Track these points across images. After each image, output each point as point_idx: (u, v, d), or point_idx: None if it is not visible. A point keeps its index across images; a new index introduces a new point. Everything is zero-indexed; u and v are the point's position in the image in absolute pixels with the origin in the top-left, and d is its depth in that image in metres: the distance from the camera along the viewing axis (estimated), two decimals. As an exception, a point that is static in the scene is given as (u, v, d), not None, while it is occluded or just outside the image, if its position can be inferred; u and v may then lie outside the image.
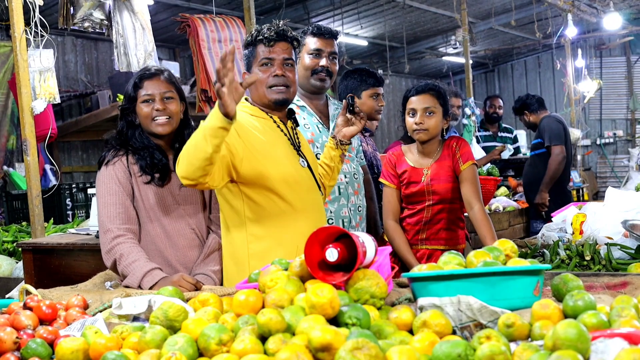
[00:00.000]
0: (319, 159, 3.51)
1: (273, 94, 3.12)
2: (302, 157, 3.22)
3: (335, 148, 3.46)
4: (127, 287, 2.93)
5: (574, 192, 10.03)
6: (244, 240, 3.06)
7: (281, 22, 3.17)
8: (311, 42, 3.90)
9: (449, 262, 2.26)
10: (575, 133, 12.28)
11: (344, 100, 3.43)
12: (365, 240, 2.21)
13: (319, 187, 3.28)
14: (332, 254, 2.08)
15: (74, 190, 7.34)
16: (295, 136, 3.26)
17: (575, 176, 10.65)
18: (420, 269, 2.26)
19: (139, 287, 2.91)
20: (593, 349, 1.60)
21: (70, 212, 7.19)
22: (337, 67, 4.01)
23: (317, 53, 3.88)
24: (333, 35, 3.95)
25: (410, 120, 3.82)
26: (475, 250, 2.29)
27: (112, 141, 3.30)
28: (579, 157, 13.72)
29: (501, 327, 1.80)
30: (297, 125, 3.33)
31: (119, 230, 3.06)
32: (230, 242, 3.12)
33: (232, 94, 2.59)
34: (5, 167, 8.85)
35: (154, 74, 3.27)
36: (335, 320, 1.92)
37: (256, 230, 3.05)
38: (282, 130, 3.18)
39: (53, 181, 8.48)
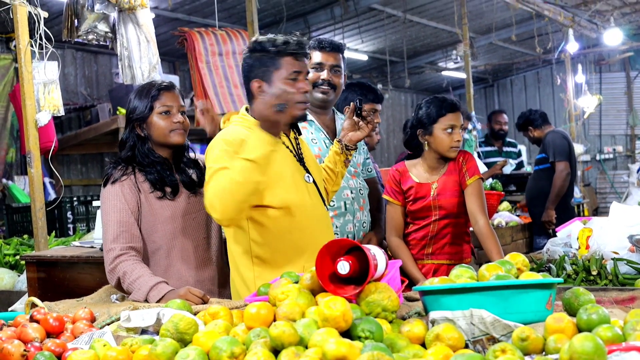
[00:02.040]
0: None
1: (297, 111, 3.02)
2: (307, 172, 3.17)
3: (340, 152, 3.41)
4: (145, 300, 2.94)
5: (575, 208, 10.01)
6: (250, 262, 3.03)
7: (299, 35, 3.11)
8: (313, 56, 3.87)
9: (461, 275, 2.25)
10: (578, 148, 12.29)
11: (351, 103, 3.40)
12: (377, 253, 2.20)
13: (324, 202, 3.24)
14: (343, 267, 2.07)
15: (75, 203, 7.33)
16: (298, 147, 3.21)
17: (575, 192, 10.64)
18: (432, 282, 2.25)
19: (146, 301, 2.90)
20: (610, 362, 1.59)
21: (71, 226, 7.17)
22: (342, 80, 3.98)
23: (318, 67, 3.87)
24: (335, 48, 3.91)
25: (447, 137, 3.76)
26: (487, 263, 2.28)
27: (119, 158, 3.28)
28: (579, 173, 13.71)
29: (515, 340, 1.79)
30: (300, 133, 3.28)
31: (121, 250, 3.05)
32: (235, 263, 3.08)
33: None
34: (4, 180, 8.83)
35: (170, 87, 3.31)
36: (347, 334, 1.91)
37: (262, 252, 3.01)
38: (287, 147, 3.13)
39: (52, 195, 8.46)
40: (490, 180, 7.43)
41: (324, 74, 3.86)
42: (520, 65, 17.19)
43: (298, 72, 3.01)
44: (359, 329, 1.90)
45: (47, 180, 8.35)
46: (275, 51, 2.98)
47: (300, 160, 3.17)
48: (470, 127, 9.09)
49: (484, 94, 19.21)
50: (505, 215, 7.43)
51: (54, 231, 6.40)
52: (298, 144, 3.22)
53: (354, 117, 3.37)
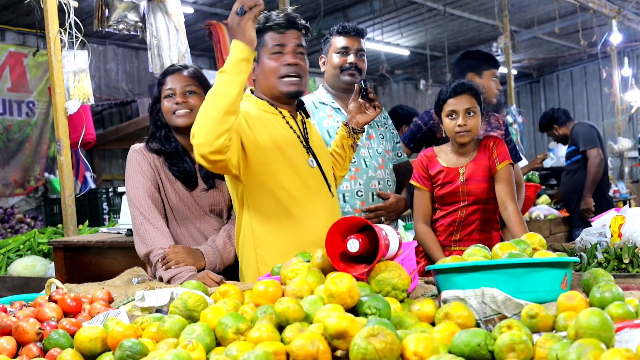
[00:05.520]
0: None
1: (285, 86, 2.95)
2: (312, 156, 3.07)
3: (347, 136, 3.32)
4: (159, 278, 2.95)
5: (621, 204, 9.85)
6: (252, 244, 2.94)
7: (290, 8, 3.04)
8: (338, 41, 3.89)
9: (474, 254, 2.21)
10: (625, 143, 12.08)
11: (355, 85, 3.33)
12: (389, 233, 2.17)
13: (329, 187, 3.11)
14: (353, 245, 2.04)
15: (111, 194, 7.39)
16: (305, 131, 3.11)
17: (622, 188, 10.48)
18: (444, 261, 2.21)
19: (168, 282, 2.90)
20: (617, 338, 1.54)
21: (107, 216, 7.24)
22: (366, 64, 3.97)
23: (344, 51, 3.87)
24: (359, 32, 3.92)
25: (450, 123, 3.66)
26: (501, 242, 2.24)
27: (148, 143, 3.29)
28: (626, 170, 13.47)
29: (524, 318, 1.75)
30: (308, 116, 3.19)
31: (155, 221, 3.06)
32: (240, 249, 3.03)
33: (254, 22, 2.57)
34: (46, 174, 8.98)
35: (177, 69, 3.27)
36: (354, 311, 1.88)
37: (263, 235, 2.93)
38: (291, 127, 3.03)
39: (93, 187, 8.57)
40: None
41: (350, 58, 3.86)
42: (566, 59, 16.97)
43: (281, 45, 2.93)
44: (366, 305, 1.87)
45: (88, 174, 8.45)
46: (258, 28, 2.89)
47: (306, 144, 3.08)
48: (510, 119, 9.00)
49: (529, 90, 19.04)
50: (544, 209, 7.36)
51: (87, 220, 6.45)
52: (305, 127, 3.13)
53: (360, 99, 3.29)
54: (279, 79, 2.95)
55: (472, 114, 3.65)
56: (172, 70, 3.27)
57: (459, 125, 3.63)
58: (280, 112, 3.02)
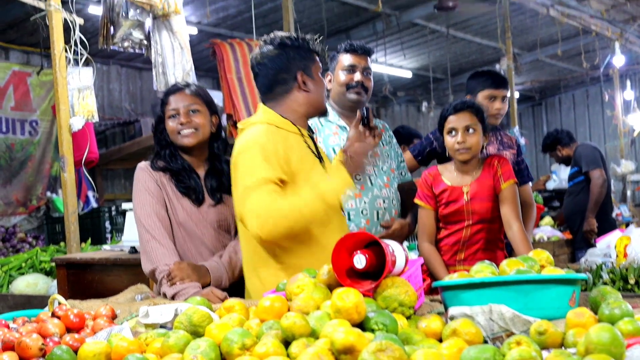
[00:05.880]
0: None
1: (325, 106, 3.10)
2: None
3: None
4: (163, 294, 2.95)
5: (623, 227, 9.84)
6: (271, 274, 2.86)
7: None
8: (345, 59, 3.87)
9: (482, 270, 2.20)
10: (628, 166, 12.06)
11: (357, 112, 3.31)
12: (396, 249, 2.16)
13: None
14: (359, 261, 2.03)
15: (114, 213, 7.39)
16: (316, 147, 3.09)
17: (624, 211, 10.46)
18: (451, 278, 2.20)
19: (172, 298, 2.89)
20: (628, 354, 1.53)
21: (109, 235, 7.23)
22: (372, 83, 3.95)
23: (351, 69, 3.85)
24: (366, 51, 3.90)
25: (450, 140, 3.67)
26: (509, 258, 2.23)
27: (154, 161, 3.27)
28: (629, 193, 13.45)
29: (533, 334, 1.74)
30: (313, 132, 3.19)
31: (161, 239, 3.06)
32: (251, 269, 2.95)
33: None
34: (48, 193, 8.98)
35: (179, 88, 3.27)
36: (361, 327, 1.87)
37: (278, 255, 2.86)
38: (309, 147, 3.00)
39: (95, 206, 8.56)
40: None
41: (357, 76, 3.84)
42: (569, 82, 16.98)
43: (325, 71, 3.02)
44: (372, 321, 1.86)
45: (90, 193, 8.45)
46: (309, 48, 2.97)
47: (321, 161, 3.05)
48: (513, 140, 8.98)
49: (531, 112, 19.05)
50: (547, 230, 7.34)
51: (89, 238, 6.44)
52: (316, 145, 3.11)
53: (360, 127, 3.27)
54: (327, 99, 3.07)
55: (471, 131, 3.64)
56: (175, 89, 3.27)
57: (458, 143, 3.63)
58: (300, 131, 3.00)
